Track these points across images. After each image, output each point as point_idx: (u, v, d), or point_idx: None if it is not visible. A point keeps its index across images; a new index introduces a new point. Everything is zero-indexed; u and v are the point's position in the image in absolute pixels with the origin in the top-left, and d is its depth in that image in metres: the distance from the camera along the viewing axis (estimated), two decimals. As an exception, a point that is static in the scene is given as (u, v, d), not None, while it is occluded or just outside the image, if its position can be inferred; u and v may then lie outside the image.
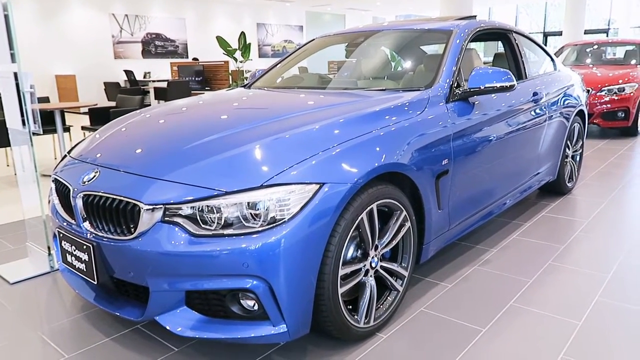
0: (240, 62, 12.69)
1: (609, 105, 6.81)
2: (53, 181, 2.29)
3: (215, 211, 1.74)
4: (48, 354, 2.04)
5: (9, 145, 4.71)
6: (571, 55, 8.76)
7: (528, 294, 2.48)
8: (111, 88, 11.89)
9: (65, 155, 2.51)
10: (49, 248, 2.90)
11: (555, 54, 8.96)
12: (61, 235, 2.10)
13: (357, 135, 2.03)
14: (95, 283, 1.94)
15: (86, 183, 1.99)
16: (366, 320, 2.06)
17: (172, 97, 11.74)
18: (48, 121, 5.57)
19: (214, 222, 1.74)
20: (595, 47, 8.76)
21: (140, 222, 1.79)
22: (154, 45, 15.05)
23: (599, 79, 7.04)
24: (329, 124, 2.08)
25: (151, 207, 1.78)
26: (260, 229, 1.71)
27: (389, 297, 2.21)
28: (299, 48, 3.64)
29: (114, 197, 1.87)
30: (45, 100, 6.33)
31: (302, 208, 1.74)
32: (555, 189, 4.13)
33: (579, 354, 1.98)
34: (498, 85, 2.59)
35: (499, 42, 3.64)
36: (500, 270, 2.76)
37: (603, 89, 6.87)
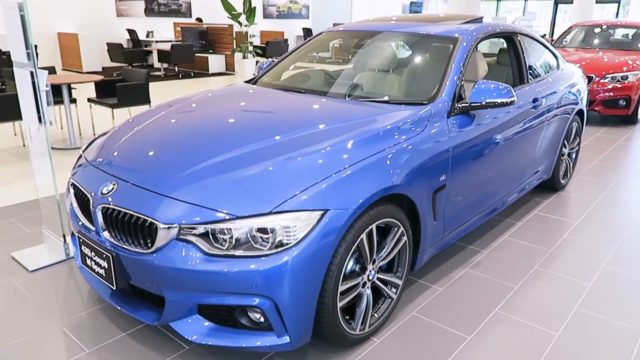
0: (245, 26, 12.52)
1: (611, 93, 6.85)
2: (71, 185, 2.43)
3: (226, 232, 1.88)
4: (70, 348, 2.24)
5: (21, 119, 4.76)
6: (579, 35, 8.70)
7: (512, 301, 2.66)
8: (114, 49, 11.79)
9: (80, 156, 2.63)
10: (64, 236, 3.06)
11: (563, 34, 8.90)
12: (81, 240, 2.25)
13: (362, 158, 2.15)
14: (114, 289, 2.11)
15: (105, 195, 2.12)
16: (362, 327, 2.25)
17: (175, 61, 11.68)
18: (55, 92, 5.62)
19: (225, 242, 1.89)
20: (604, 27, 8.69)
21: (157, 238, 1.94)
22: (157, 3, 14.75)
23: (603, 66, 7.04)
24: (337, 147, 2.19)
25: (167, 225, 1.92)
26: (268, 252, 1.86)
27: (383, 305, 2.39)
28: (306, 42, 3.69)
29: (132, 213, 2.01)
30: (51, 70, 6.34)
31: (307, 233, 1.88)
32: (550, 185, 4.27)
33: (554, 366, 2.18)
34: (499, 101, 2.68)
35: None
36: (489, 274, 2.94)
37: (607, 76, 6.89)
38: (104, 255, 2.09)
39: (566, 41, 8.69)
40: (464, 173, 2.70)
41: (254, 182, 2.01)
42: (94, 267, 2.19)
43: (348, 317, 2.22)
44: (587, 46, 8.34)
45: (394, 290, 2.42)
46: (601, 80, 6.89)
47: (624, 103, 6.92)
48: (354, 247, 2.06)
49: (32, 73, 2.72)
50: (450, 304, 2.62)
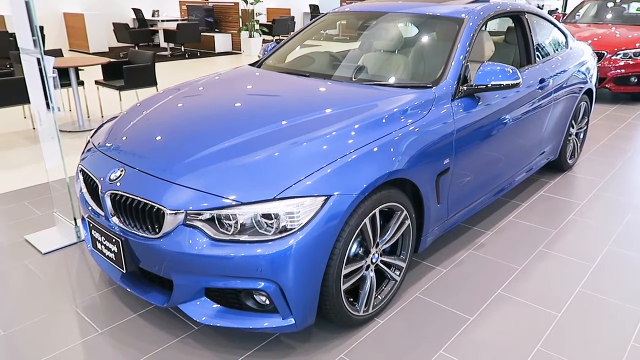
0: (251, 3, 12.40)
1: (622, 70, 6.73)
2: (80, 172, 2.47)
3: (231, 218, 1.92)
4: (84, 328, 2.32)
5: (29, 103, 4.82)
6: (591, 10, 8.52)
7: (515, 282, 2.69)
8: (120, 29, 11.75)
9: (89, 141, 2.67)
10: (75, 219, 3.13)
11: (575, 9, 8.71)
12: (91, 225, 2.30)
13: (366, 143, 2.17)
14: (124, 272, 2.17)
15: (113, 181, 2.17)
16: (365, 309, 2.30)
17: (181, 41, 11.62)
18: (62, 75, 5.65)
19: (231, 227, 1.93)
20: (618, 2, 8.49)
21: (164, 223, 1.98)
22: (162, -19, 14.61)
23: (615, 42, 6.91)
24: (341, 132, 2.21)
25: (174, 212, 1.96)
26: (272, 237, 1.90)
27: (387, 287, 2.43)
28: (310, 24, 3.67)
29: (140, 199, 2.05)
30: (58, 52, 6.36)
31: (311, 218, 1.92)
32: (556, 165, 4.25)
33: (555, 346, 2.22)
34: (504, 83, 2.66)
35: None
36: (493, 255, 2.96)
37: (619, 52, 6.76)
38: (114, 240, 2.14)
39: (579, 15, 8.52)
40: (468, 156, 2.71)
41: (259, 168, 2.04)
42: (105, 251, 2.25)
43: (352, 298, 2.27)
44: (600, 21, 8.18)
45: (397, 272, 2.46)
46: (613, 57, 6.77)
47: (636, 80, 6.80)
48: (357, 231, 2.10)
49: (38, 60, 2.75)
50: (453, 285, 2.66)
